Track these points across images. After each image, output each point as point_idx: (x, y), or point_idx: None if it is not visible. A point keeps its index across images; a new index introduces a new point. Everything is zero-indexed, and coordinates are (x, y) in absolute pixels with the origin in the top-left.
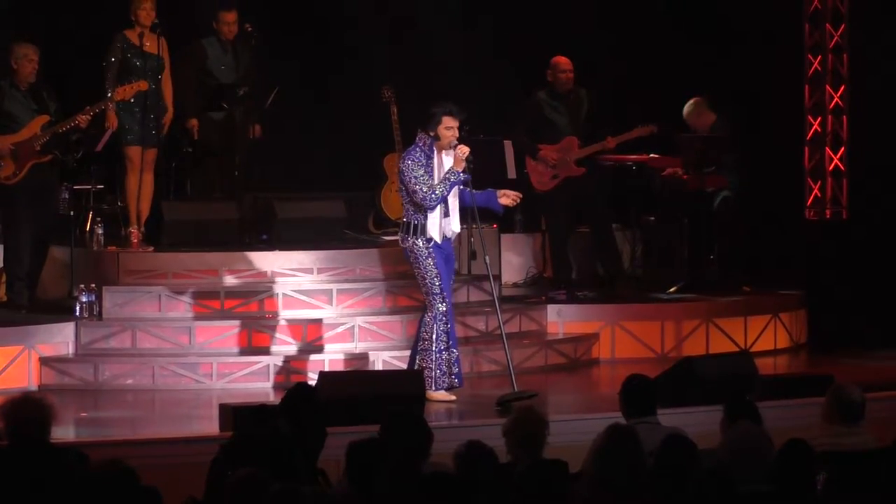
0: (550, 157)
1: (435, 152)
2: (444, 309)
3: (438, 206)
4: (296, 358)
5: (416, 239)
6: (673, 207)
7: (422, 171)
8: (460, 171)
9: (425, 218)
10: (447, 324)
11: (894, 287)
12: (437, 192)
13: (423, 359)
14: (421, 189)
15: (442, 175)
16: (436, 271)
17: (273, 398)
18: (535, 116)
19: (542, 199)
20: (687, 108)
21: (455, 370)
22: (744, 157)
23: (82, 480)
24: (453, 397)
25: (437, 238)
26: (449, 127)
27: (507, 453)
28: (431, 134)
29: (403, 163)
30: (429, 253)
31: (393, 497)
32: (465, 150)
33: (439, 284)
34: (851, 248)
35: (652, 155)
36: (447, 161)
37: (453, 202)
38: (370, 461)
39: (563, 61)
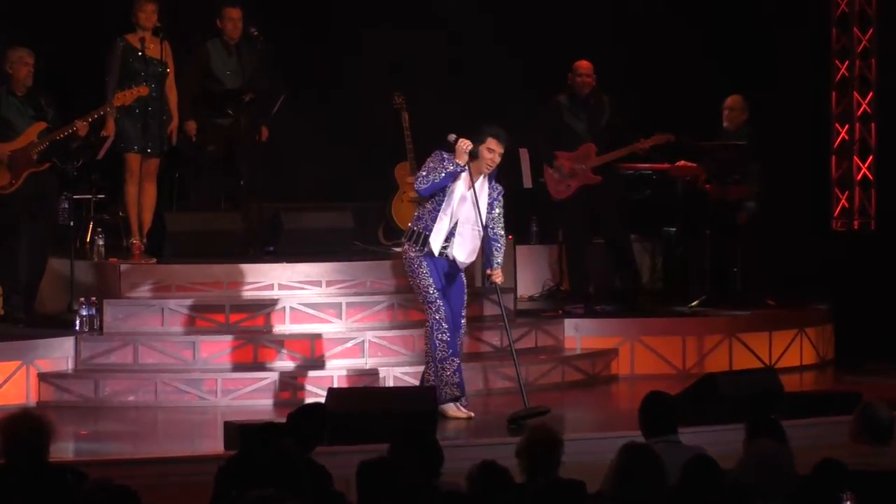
0: (565, 167)
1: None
2: (439, 317)
3: (446, 221)
4: (303, 374)
5: (411, 246)
6: (695, 218)
7: (438, 170)
8: (461, 163)
9: (428, 229)
10: (445, 332)
11: None
12: (430, 176)
13: (426, 372)
14: (420, 173)
15: (458, 188)
16: (429, 280)
17: (279, 415)
18: (554, 121)
19: (558, 208)
20: (733, 100)
21: (456, 380)
22: (767, 165)
23: (81, 500)
24: (471, 414)
25: (435, 250)
26: (491, 150)
27: (521, 473)
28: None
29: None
30: (420, 261)
31: None
32: (467, 143)
33: (433, 292)
34: (880, 260)
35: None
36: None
37: (467, 231)
38: (381, 481)
39: (583, 66)
